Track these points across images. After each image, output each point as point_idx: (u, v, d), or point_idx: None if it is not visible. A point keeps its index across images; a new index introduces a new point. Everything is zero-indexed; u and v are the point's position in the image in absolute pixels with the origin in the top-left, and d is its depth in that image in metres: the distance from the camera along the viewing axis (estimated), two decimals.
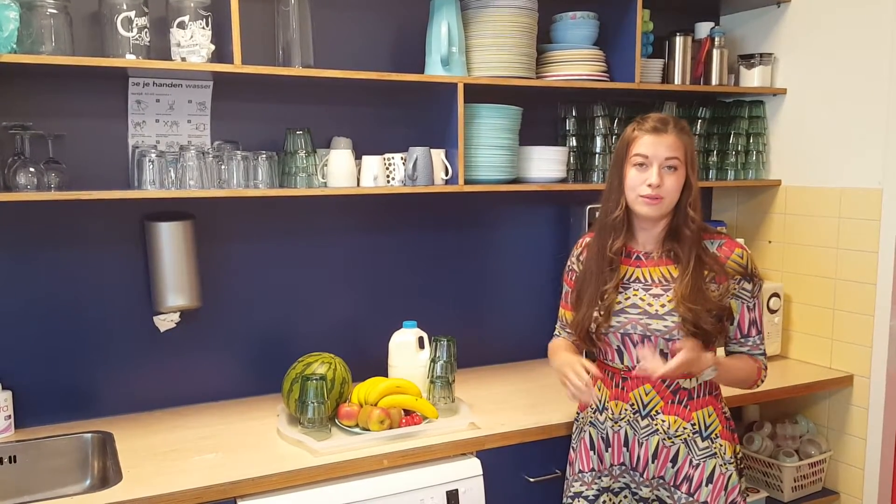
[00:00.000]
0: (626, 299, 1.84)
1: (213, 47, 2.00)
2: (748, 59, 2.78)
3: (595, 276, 1.86)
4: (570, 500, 1.94)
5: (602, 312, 1.84)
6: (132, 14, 1.91)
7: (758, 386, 1.91)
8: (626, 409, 1.87)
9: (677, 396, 1.83)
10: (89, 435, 2.06)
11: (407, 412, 2.08)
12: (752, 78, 2.77)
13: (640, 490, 1.88)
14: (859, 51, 2.50)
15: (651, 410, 1.84)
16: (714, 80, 2.74)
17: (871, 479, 2.53)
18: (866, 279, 2.50)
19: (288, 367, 2.12)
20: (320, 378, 1.99)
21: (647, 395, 1.83)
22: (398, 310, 2.45)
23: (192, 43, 1.96)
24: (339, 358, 2.16)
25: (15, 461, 1.97)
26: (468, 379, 2.48)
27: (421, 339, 2.29)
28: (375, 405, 2.05)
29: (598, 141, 2.59)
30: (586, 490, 1.91)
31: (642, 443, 1.85)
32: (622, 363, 1.86)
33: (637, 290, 1.84)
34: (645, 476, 1.86)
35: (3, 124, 1.96)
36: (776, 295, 2.73)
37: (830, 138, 2.62)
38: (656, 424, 1.84)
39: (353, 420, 2.03)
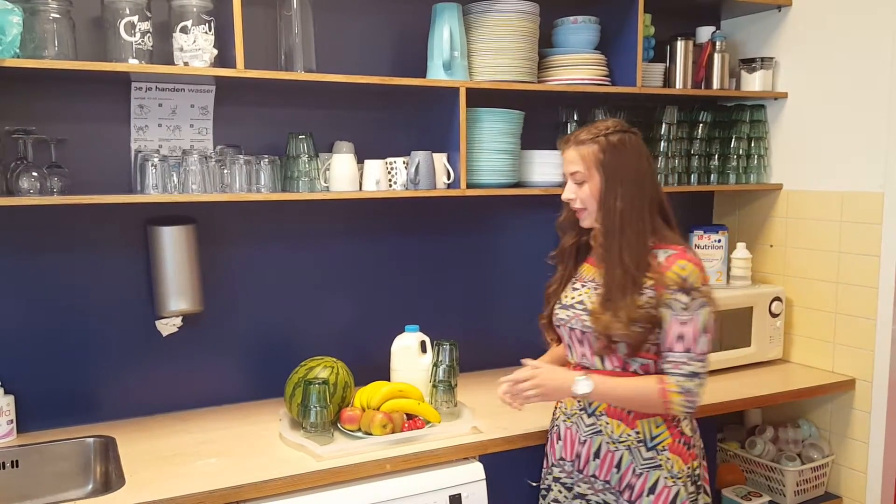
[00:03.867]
0: (579, 295, 1.89)
1: (215, 52, 2.00)
2: (749, 64, 2.78)
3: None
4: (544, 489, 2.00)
5: (547, 303, 1.98)
6: (135, 19, 1.91)
7: (670, 412, 1.74)
8: (574, 406, 1.90)
9: None
10: (91, 439, 2.06)
11: (409, 416, 2.08)
12: (754, 82, 2.77)
13: (579, 486, 1.89)
14: (860, 54, 2.50)
15: (595, 409, 1.86)
16: (715, 84, 2.74)
17: (874, 483, 2.52)
18: (868, 283, 2.50)
19: (290, 371, 2.12)
20: (322, 382, 1.99)
21: None
22: (400, 314, 2.45)
23: (195, 47, 1.97)
24: (341, 362, 2.15)
25: (17, 466, 1.97)
26: (471, 383, 2.47)
27: (423, 344, 2.29)
28: (378, 409, 2.05)
29: None
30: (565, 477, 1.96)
31: (584, 441, 1.87)
32: (572, 357, 1.91)
33: (589, 288, 1.88)
34: (584, 473, 1.88)
35: (5, 129, 1.96)
36: (778, 299, 2.73)
37: (831, 142, 2.62)
38: (601, 425, 1.85)
39: (355, 424, 2.03)
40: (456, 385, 2.20)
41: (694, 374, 1.72)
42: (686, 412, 1.74)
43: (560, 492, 1.94)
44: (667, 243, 1.78)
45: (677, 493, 1.79)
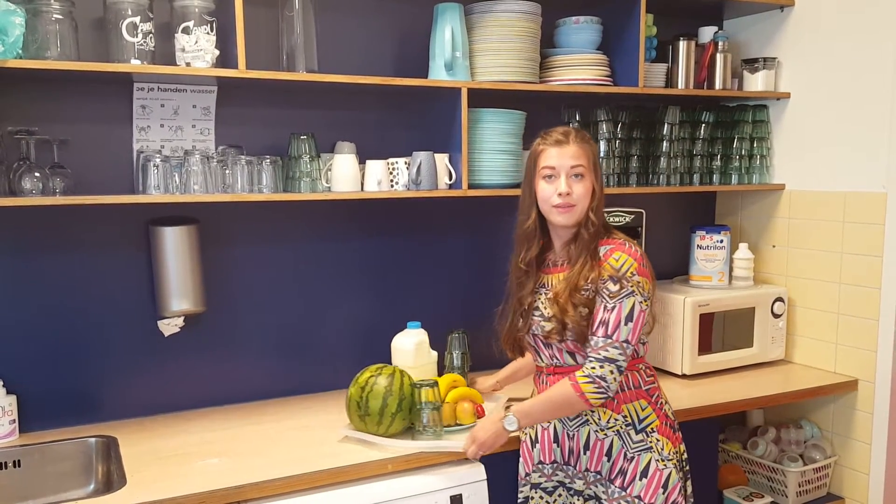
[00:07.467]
0: (534, 303, 1.91)
1: (217, 52, 2.01)
2: (752, 64, 2.78)
3: (515, 287, 1.94)
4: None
5: (522, 318, 1.92)
6: (137, 19, 1.92)
7: (588, 404, 1.77)
8: None
9: None
10: (93, 439, 2.06)
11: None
12: (756, 82, 2.77)
13: (574, 483, 1.90)
14: (863, 54, 2.50)
15: None
16: (717, 84, 2.73)
17: (877, 484, 2.52)
18: (871, 283, 2.49)
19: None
20: (433, 384, 1.99)
21: None
22: (402, 314, 2.45)
23: (197, 48, 1.97)
24: (392, 365, 2.12)
25: (19, 465, 1.98)
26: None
27: (425, 341, 2.30)
28: (445, 402, 2.08)
29: (602, 145, 2.59)
30: (543, 481, 1.97)
31: (572, 435, 1.88)
32: (542, 361, 1.92)
33: (541, 294, 1.89)
34: (577, 468, 1.89)
35: (8, 129, 1.97)
36: (780, 299, 2.73)
37: (834, 142, 2.62)
38: (586, 415, 1.86)
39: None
40: (468, 371, 2.23)
41: (609, 360, 1.75)
42: (599, 399, 1.76)
43: (542, 498, 1.95)
44: (610, 238, 1.84)
45: (669, 475, 1.81)
